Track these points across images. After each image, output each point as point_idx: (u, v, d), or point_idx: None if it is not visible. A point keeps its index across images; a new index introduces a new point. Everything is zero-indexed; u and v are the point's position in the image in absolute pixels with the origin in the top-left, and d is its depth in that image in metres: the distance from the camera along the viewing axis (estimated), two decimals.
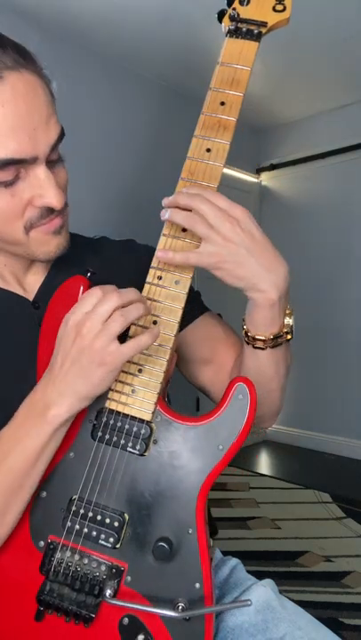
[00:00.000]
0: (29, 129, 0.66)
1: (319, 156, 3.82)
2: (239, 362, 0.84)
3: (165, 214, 0.69)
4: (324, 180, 3.86)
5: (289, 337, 0.76)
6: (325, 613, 1.81)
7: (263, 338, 0.75)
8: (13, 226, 0.71)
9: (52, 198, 0.70)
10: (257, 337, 0.75)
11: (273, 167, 4.10)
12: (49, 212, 0.72)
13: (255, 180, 4.19)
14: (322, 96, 3.59)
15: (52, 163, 0.72)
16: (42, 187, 0.69)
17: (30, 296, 0.82)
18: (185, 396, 0.78)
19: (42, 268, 0.84)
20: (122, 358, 0.64)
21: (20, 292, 0.82)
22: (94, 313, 0.63)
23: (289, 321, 0.75)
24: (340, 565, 2.16)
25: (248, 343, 0.77)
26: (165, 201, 0.70)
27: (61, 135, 0.72)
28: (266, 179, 4.21)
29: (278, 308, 0.72)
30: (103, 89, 3.02)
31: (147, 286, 0.72)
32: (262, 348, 0.76)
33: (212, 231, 0.67)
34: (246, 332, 0.76)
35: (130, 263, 0.87)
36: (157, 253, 0.70)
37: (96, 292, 0.64)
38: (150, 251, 0.93)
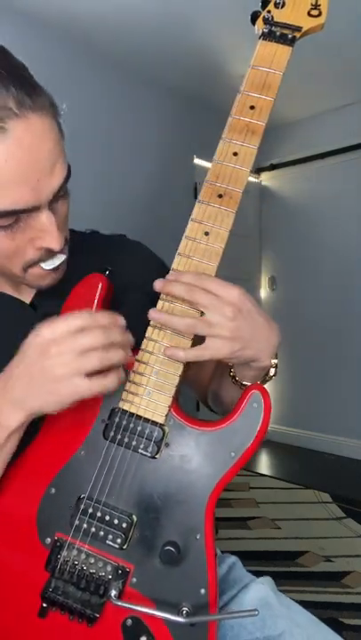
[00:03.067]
0: (32, 181, 0.64)
1: (319, 156, 3.82)
2: (219, 374, 0.86)
3: (161, 317, 0.68)
4: (324, 180, 3.86)
5: (273, 374, 0.77)
6: (325, 613, 1.81)
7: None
8: (12, 263, 0.71)
9: (53, 242, 0.68)
10: (244, 384, 0.77)
11: (273, 167, 4.10)
12: (50, 252, 0.71)
13: (255, 180, 4.19)
14: (322, 96, 3.59)
15: (56, 199, 0.69)
16: (43, 230, 0.68)
17: (26, 298, 0.81)
18: (185, 395, 0.78)
19: None
20: (77, 396, 0.62)
21: (15, 294, 0.81)
22: (72, 340, 0.60)
23: (274, 361, 0.76)
24: (340, 565, 2.16)
25: (235, 384, 0.78)
26: (158, 285, 0.68)
27: (68, 176, 0.69)
28: (266, 179, 4.21)
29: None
30: (103, 90, 3.02)
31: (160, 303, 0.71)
32: None
33: (215, 329, 0.66)
34: (235, 377, 0.77)
35: (128, 261, 0.87)
36: (167, 352, 0.68)
37: (84, 317, 0.62)
38: (146, 250, 0.93)
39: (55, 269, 0.74)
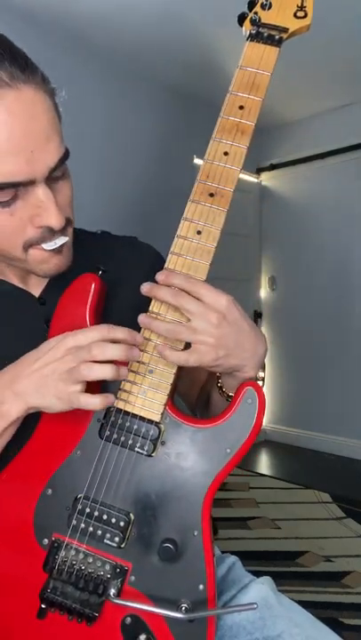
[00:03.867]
0: (26, 151, 0.64)
1: (319, 156, 3.82)
2: (210, 384, 0.86)
3: (145, 321, 0.69)
4: (324, 180, 3.86)
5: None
6: (325, 613, 1.81)
7: None
8: (13, 243, 0.70)
9: (51, 218, 0.68)
10: (229, 394, 0.78)
11: (273, 167, 4.10)
12: (50, 232, 0.70)
13: (255, 180, 4.19)
14: (322, 96, 3.59)
15: (55, 179, 0.70)
16: (40, 207, 0.68)
17: (35, 292, 0.81)
18: None
19: None
20: (74, 404, 0.65)
21: (24, 287, 0.82)
22: (82, 350, 0.64)
23: (261, 374, 0.76)
24: (340, 565, 2.16)
25: (222, 396, 0.78)
26: (145, 289, 0.69)
27: (65, 156, 0.69)
28: (266, 179, 4.21)
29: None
30: (103, 89, 3.02)
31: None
32: None
33: (200, 335, 0.67)
34: (222, 389, 0.78)
35: (135, 263, 0.88)
36: (158, 348, 0.69)
37: (102, 330, 0.65)
38: (154, 254, 0.93)
39: (58, 251, 0.73)
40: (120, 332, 0.66)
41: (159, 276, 0.69)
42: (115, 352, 0.65)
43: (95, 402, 0.64)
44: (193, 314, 0.67)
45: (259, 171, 4.19)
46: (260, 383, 0.76)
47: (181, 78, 3.31)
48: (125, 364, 0.69)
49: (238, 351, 0.70)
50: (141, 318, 0.69)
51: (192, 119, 3.52)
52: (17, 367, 0.68)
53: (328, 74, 3.26)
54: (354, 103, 3.65)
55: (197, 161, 3.59)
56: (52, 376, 0.65)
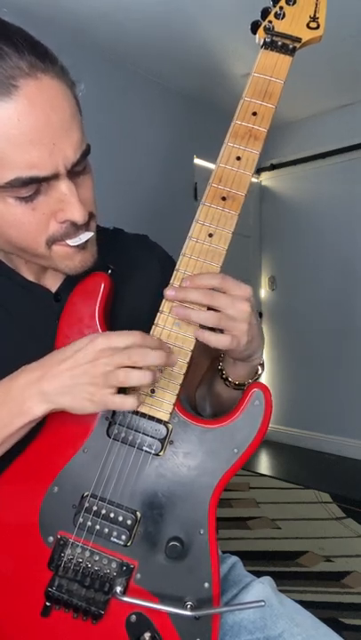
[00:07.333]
0: (49, 144, 0.62)
1: (319, 156, 3.84)
2: (210, 375, 0.87)
3: (186, 312, 0.69)
4: (324, 180, 3.87)
5: (260, 371, 0.80)
6: (325, 613, 1.80)
7: (244, 383, 0.80)
8: (36, 239, 0.68)
9: (75, 212, 0.67)
10: (238, 383, 0.79)
11: (273, 167, 4.12)
12: (74, 227, 0.69)
13: (255, 180, 4.20)
14: (322, 96, 3.60)
15: (77, 173, 0.68)
16: (63, 201, 0.66)
17: (52, 288, 0.81)
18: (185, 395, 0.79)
19: None
20: (104, 407, 0.65)
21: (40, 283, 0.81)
22: (120, 354, 0.63)
23: (262, 359, 0.79)
24: (341, 565, 2.16)
25: (228, 386, 0.80)
26: (171, 294, 0.69)
27: (87, 151, 0.68)
28: (266, 179, 4.22)
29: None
30: (103, 89, 3.02)
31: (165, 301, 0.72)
32: (242, 389, 0.79)
33: (235, 322, 0.68)
34: (227, 379, 0.80)
35: (147, 262, 0.88)
36: (197, 333, 0.70)
37: (137, 337, 0.64)
38: (164, 254, 0.93)
39: (82, 247, 0.72)
40: (151, 342, 0.66)
41: (185, 283, 0.69)
42: (156, 359, 0.64)
43: (132, 402, 0.65)
44: (226, 307, 0.68)
45: (259, 171, 4.19)
46: (260, 369, 0.79)
47: (183, 79, 3.32)
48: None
49: (257, 337, 0.72)
50: (181, 310, 0.69)
51: (192, 120, 3.53)
52: (44, 366, 0.67)
53: (328, 74, 3.27)
54: (354, 103, 3.66)
55: (197, 161, 3.59)
56: (83, 378, 0.64)
